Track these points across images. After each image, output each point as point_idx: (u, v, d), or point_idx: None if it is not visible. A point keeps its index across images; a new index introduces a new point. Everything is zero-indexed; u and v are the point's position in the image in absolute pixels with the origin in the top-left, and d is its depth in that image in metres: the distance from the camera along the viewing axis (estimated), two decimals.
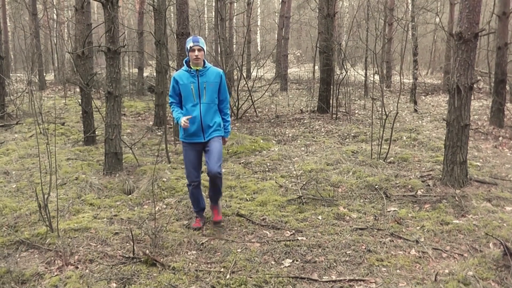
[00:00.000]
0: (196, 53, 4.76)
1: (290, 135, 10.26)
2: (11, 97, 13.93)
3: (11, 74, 21.16)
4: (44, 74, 20.22)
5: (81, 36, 9.66)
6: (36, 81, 17.90)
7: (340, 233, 4.93)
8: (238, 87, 12.66)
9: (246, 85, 12.94)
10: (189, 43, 4.82)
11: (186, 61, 4.95)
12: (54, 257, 4.34)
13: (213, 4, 24.63)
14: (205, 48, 4.86)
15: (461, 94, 6.07)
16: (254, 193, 6.28)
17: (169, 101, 5.03)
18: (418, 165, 7.46)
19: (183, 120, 4.74)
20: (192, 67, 4.86)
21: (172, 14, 26.19)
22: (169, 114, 11.81)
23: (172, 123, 10.30)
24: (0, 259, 4.37)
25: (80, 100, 9.21)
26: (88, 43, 10.99)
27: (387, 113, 8.24)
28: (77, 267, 4.17)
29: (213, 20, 23.37)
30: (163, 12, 10.05)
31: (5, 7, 22.74)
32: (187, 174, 5.01)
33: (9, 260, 4.34)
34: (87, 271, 4.09)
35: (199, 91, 4.83)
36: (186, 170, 5.01)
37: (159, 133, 10.35)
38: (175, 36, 9.76)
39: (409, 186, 6.33)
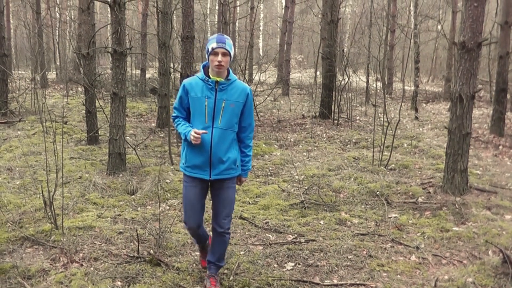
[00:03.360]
0: (220, 58, 3.46)
1: (292, 140, 10.33)
2: (14, 94, 13.99)
3: (13, 71, 21.22)
4: (46, 73, 20.28)
5: (87, 36, 9.73)
6: (38, 79, 17.95)
7: (342, 238, 4.99)
8: None
9: None
10: (212, 43, 3.50)
11: (204, 66, 3.67)
12: (59, 254, 4.39)
13: (217, 7, 24.75)
14: (232, 53, 3.55)
15: (463, 103, 6.14)
16: (256, 197, 6.34)
17: (173, 115, 3.79)
18: (419, 172, 7.52)
19: (193, 134, 3.45)
20: (210, 76, 3.57)
21: (175, 17, 26.28)
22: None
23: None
24: (6, 254, 4.43)
25: (83, 100, 9.26)
26: (92, 44, 11.06)
27: (389, 120, 8.30)
28: (82, 265, 4.22)
29: (216, 23, 23.45)
30: (170, 15, 10.12)
31: (9, 4, 22.81)
32: (185, 219, 3.75)
33: (14, 256, 4.39)
34: (91, 269, 4.14)
35: (214, 111, 3.54)
36: (185, 212, 3.75)
37: (162, 135, 10.40)
38: (180, 39, 9.83)
39: (410, 193, 6.39)
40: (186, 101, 3.64)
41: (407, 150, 9.28)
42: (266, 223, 5.39)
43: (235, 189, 3.81)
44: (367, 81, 17.14)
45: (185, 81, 3.67)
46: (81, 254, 4.39)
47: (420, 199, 6.15)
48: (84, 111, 10.31)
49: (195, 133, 3.44)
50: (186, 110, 3.69)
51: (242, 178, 3.88)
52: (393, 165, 7.89)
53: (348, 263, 4.41)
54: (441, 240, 4.97)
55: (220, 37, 3.51)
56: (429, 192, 6.38)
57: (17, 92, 14.66)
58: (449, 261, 4.51)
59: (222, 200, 3.71)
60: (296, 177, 7.17)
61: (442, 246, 4.84)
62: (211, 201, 3.82)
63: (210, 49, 3.49)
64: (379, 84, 19.45)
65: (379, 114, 12.36)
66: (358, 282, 4.05)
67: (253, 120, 3.80)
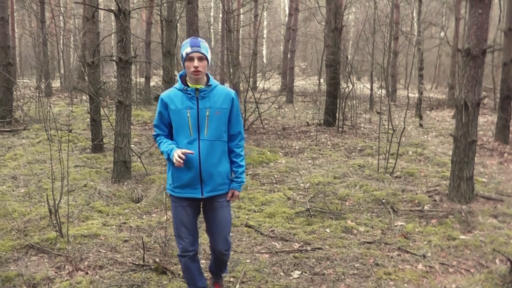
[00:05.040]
0: (196, 63, 3.20)
1: (296, 147, 10.32)
2: (19, 102, 14.04)
3: (18, 80, 21.32)
4: (51, 81, 20.37)
5: (91, 45, 9.76)
6: (43, 87, 18.04)
7: (348, 246, 4.96)
8: (245, 98, 12.74)
9: (253, 97, 13.04)
10: (186, 48, 3.23)
11: (181, 75, 3.40)
12: (64, 262, 4.38)
13: (221, 15, 24.88)
14: (209, 57, 3.30)
15: (469, 110, 6.12)
16: (262, 205, 6.32)
17: (153, 133, 3.50)
18: (425, 180, 7.49)
19: (177, 155, 3.14)
20: (189, 85, 3.30)
21: (179, 25, 26.42)
22: None
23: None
24: (11, 262, 4.43)
25: (88, 108, 9.28)
26: (97, 52, 11.11)
27: (394, 127, 8.29)
28: (87, 273, 4.21)
29: (220, 31, 23.56)
30: (174, 23, 10.16)
31: (13, 14, 22.98)
32: (178, 241, 3.46)
33: (19, 264, 4.39)
34: (97, 277, 4.13)
35: (198, 121, 3.26)
36: (176, 234, 3.46)
37: None
38: None
39: (416, 201, 6.36)
40: (167, 116, 3.34)
41: (412, 157, 9.26)
42: (272, 231, 5.37)
43: (230, 207, 3.54)
44: (371, 88, 17.14)
45: (162, 94, 3.38)
46: (86, 262, 4.38)
47: (426, 207, 6.12)
48: (88, 119, 10.33)
49: (179, 156, 3.13)
50: (168, 126, 3.40)
51: (235, 192, 3.47)
52: (399, 172, 7.86)
53: (355, 272, 4.38)
54: (448, 248, 4.93)
55: (194, 41, 3.24)
56: (435, 200, 6.35)
57: (22, 100, 14.73)
58: (456, 270, 4.48)
59: (218, 222, 3.45)
60: (302, 185, 7.15)
61: (449, 254, 4.81)
62: (205, 223, 3.59)
63: (184, 55, 3.23)
64: (383, 91, 19.46)
65: (384, 122, 12.35)
66: None
67: (242, 127, 3.50)
